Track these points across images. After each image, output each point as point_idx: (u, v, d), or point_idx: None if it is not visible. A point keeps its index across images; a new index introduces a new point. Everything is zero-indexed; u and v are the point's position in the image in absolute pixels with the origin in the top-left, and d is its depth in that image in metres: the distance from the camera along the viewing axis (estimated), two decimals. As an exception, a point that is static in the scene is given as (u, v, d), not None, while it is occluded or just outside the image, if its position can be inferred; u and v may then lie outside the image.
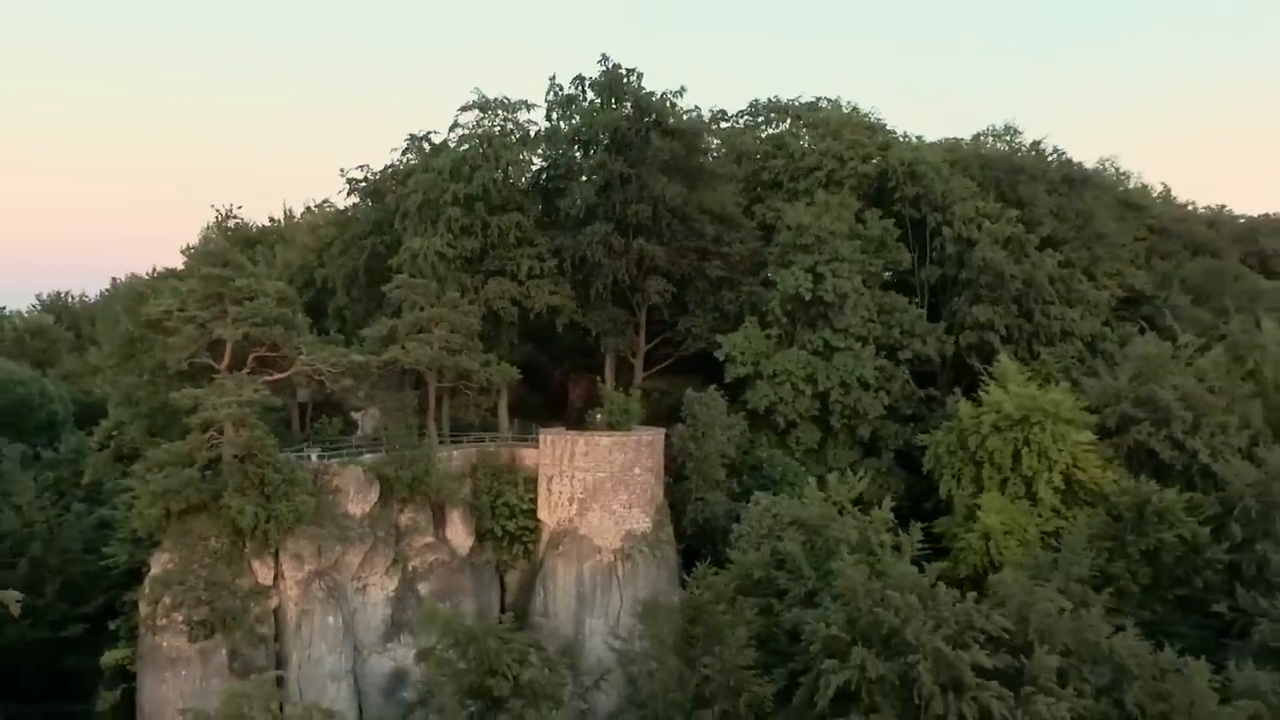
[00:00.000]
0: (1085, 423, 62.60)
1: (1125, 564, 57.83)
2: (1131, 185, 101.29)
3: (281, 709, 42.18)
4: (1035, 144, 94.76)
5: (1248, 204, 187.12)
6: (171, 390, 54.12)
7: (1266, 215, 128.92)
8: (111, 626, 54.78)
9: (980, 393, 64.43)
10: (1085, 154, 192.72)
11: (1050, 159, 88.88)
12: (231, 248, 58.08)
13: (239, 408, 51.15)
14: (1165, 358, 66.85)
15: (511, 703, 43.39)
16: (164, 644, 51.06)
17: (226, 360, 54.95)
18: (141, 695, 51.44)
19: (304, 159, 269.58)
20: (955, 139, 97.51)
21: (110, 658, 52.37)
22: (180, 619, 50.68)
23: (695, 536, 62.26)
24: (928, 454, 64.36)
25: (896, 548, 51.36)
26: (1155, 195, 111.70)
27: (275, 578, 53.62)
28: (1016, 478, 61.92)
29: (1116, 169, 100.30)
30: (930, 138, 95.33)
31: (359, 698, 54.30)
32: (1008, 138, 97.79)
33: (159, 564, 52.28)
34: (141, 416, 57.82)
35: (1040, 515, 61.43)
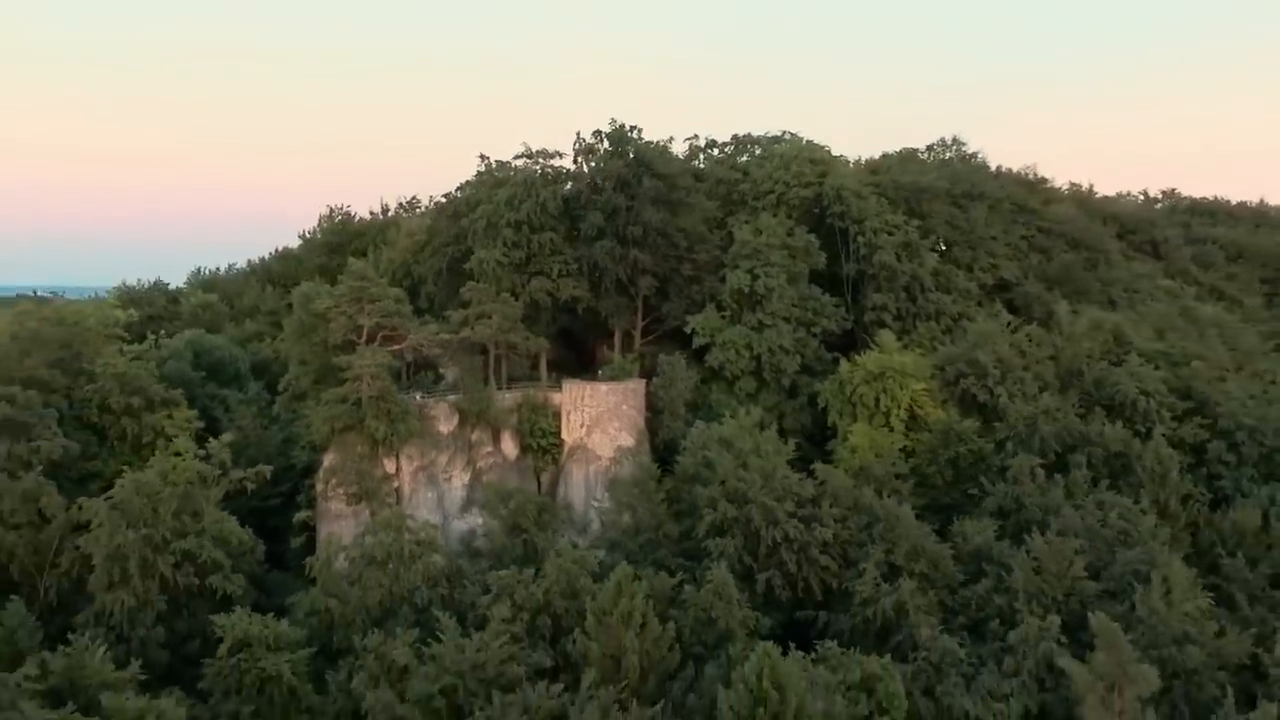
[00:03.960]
0: (925, 376, 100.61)
1: (936, 468, 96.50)
2: (1047, 186, 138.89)
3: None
4: (973, 156, 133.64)
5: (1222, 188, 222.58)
6: (331, 356, 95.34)
7: (1206, 198, 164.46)
8: (298, 500, 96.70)
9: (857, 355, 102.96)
10: (1024, 158, 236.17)
11: (960, 169, 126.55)
12: (368, 266, 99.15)
13: (374, 367, 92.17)
14: (993, 331, 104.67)
15: (530, 530, 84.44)
16: (332, 508, 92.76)
17: (364, 337, 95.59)
18: (319, 538, 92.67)
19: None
20: (911, 149, 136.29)
21: (299, 517, 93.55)
22: (342, 493, 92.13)
23: (665, 450, 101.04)
24: (820, 396, 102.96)
25: (778, 452, 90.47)
26: (1084, 191, 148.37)
27: (396, 470, 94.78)
28: (878, 413, 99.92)
29: (1035, 174, 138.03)
30: (893, 147, 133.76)
31: (446, 545, 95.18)
32: (954, 148, 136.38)
33: (327, 460, 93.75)
34: (310, 372, 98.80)
35: (893, 438, 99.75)
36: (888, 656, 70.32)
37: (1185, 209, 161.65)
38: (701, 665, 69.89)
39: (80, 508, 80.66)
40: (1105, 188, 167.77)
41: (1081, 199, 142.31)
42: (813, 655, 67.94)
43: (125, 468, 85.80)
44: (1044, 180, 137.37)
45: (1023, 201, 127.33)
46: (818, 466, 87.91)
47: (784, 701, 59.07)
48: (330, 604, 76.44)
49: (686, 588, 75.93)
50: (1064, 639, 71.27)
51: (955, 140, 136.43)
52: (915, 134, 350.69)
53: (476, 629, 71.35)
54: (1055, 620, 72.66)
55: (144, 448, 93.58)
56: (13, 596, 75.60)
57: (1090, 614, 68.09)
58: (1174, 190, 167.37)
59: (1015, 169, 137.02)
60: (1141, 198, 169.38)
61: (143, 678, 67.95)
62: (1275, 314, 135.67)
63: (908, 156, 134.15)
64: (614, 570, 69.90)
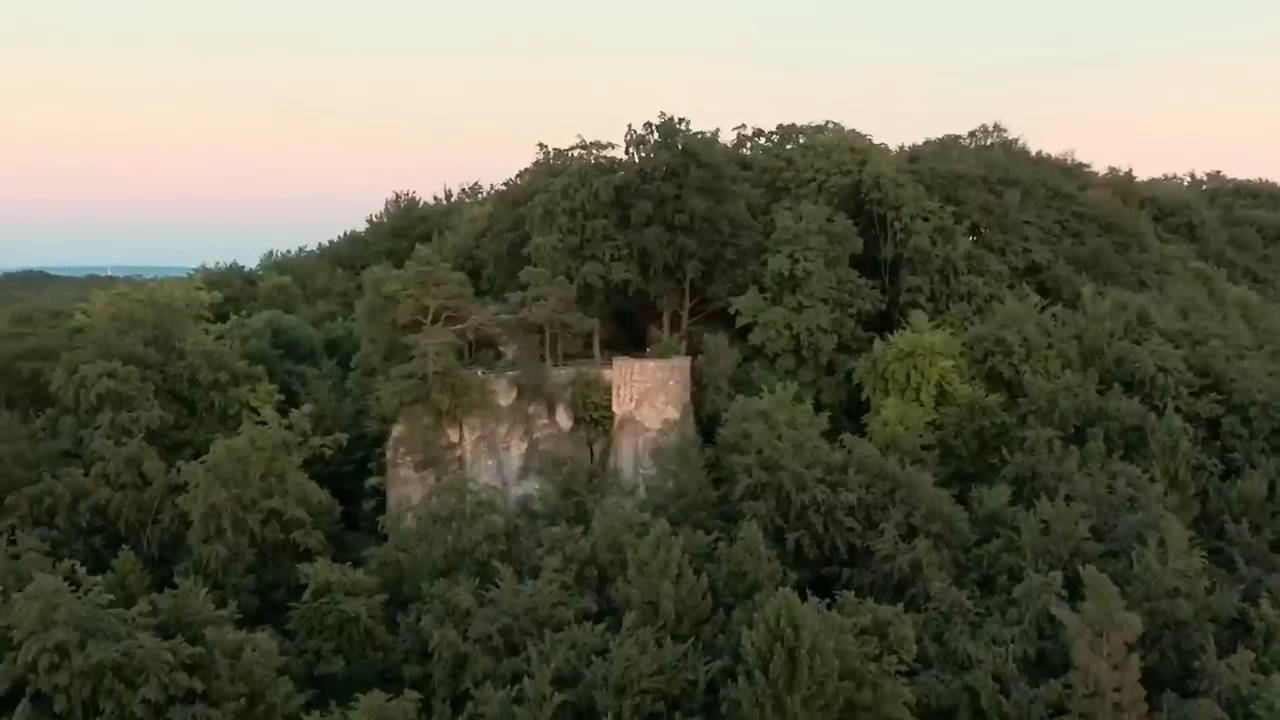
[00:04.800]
0: (954, 354, 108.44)
1: (962, 439, 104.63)
2: (1084, 171, 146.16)
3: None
4: (1013, 142, 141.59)
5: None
6: (399, 335, 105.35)
7: (1251, 180, 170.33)
8: (369, 467, 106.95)
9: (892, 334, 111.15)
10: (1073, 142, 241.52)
11: (998, 156, 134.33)
12: (432, 251, 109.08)
13: (439, 345, 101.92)
14: (1021, 312, 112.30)
15: (581, 493, 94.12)
16: (401, 473, 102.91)
17: (430, 318, 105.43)
18: (389, 501, 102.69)
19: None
20: (954, 136, 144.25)
21: (371, 481, 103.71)
22: (410, 460, 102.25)
23: (709, 423, 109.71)
24: (855, 373, 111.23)
25: (810, 424, 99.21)
26: (1122, 175, 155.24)
27: (459, 439, 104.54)
28: (909, 388, 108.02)
29: (1073, 159, 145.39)
30: (938, 132, 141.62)
31: (505, 507, 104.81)
32: (995, 134, 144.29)
33: (396, 431, 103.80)
34: (380, 349, 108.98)
35: (922, 412, 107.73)
36: (901, 606, 79.28)
37: (1229, 191, 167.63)
38: (731, 612, 79.19)
39: (179, 471, 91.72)
40: (1151, 170, 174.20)
41: (1119, 183, 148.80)
42: (828, 602, 76.92)
43: (216, 435, 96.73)
44: (1082, 165, 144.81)
45: (1058, 186, 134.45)
46: (845, 437, 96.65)
47: (799, 639, 68.19)
48: (400, 557, 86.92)
49: (721, 545, 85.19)
50: (1065, 593, 79.62)
51: (996, 127, 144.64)
52: (962, 120, 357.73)
53: (531, 578, 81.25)
54: (1058, 576, 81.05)
55: (229, 418, 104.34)
56: (123, 546, 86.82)
57: (1080, 568, 76.51)
58: (1218, 173, 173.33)
59: (1055, 154, 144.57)
60: (1187, 180, 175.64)
61: (237, 618, 78.67)
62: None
63: (948, 144, 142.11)
64: (654, 527, 79.52)
